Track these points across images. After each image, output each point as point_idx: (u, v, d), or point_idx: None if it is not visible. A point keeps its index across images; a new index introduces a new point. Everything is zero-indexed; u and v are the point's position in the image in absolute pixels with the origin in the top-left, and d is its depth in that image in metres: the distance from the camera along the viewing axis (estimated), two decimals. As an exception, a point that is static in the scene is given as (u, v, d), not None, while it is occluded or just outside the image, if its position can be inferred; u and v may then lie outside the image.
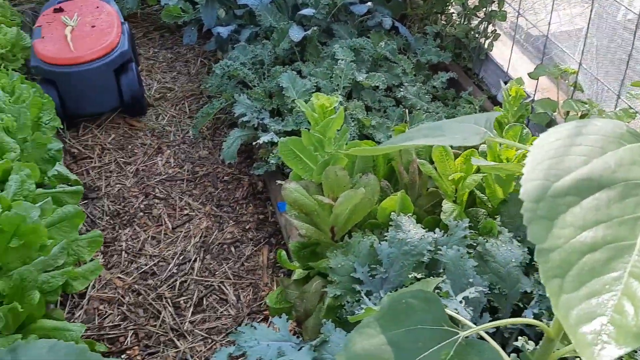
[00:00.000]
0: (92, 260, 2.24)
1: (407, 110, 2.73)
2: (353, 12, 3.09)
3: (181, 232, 2.73)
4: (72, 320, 2.31)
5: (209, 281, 2.49)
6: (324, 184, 1.76)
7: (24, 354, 0.64)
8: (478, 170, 1.90)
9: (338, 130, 1.85)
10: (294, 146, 1.86)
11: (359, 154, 1.79)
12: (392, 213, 1.74)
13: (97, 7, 3.54)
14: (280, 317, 1.70)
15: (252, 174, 2.96)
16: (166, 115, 3.48)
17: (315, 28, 2.94)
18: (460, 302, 1.42)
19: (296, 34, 2.84)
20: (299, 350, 1.50)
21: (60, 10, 3.50)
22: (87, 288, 2.42)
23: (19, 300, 1.74)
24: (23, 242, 1.76)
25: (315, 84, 2.70)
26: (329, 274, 1.70)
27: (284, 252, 2.16)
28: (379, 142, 2.44)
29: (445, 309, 0.87)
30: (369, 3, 3.17)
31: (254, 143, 2.73)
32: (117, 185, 3.00)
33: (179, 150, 3.23)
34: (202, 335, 2.27)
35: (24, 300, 1.75)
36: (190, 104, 3.58)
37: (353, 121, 2.54)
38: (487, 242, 1.66)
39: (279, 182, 1.90)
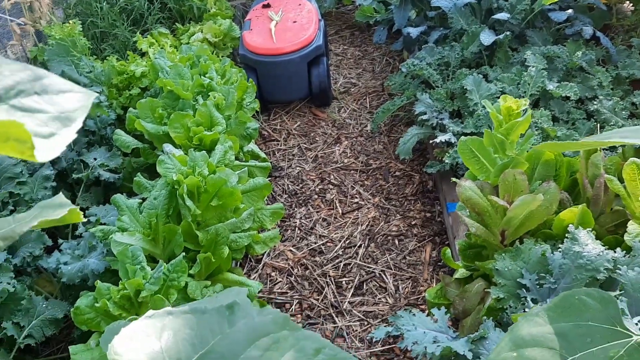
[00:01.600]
0: (270, 229, 2.48)
1: (598, 125, 2.57)
2: (550, 19, 2.97)
3: (350, 218, 2.88)
4: (247, 281, 2.58)
5: (370, 268, 2.60)
6: (500, 186, 1.76)
7: (241, 312, 0.68)
8: (675, 195, 1.75)
9: (522, 135, 1.83)
10: (473, 146, 1.88)
11: (550, 150, 1.75)
12: (569, 225, 1.69)
13: (300, 4, 3.85)
14: (439, 309, 1.75)
15: (423, 172, 3.01)
16: (348, 109, 3.68)
17: (507, 33, 2.89)
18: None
19: (487, 37, 2.82)
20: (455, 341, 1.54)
21: (267, 6, 3.87)
22: (263, 254, 2.68)
23: (212, 252, 2.00)
24: (222, 202, 2.03)
25: (500, 89, 2.66)
26: (495, 276, 1.70)
27: (449, 250, 2.19)
28: (563, 155, 2.34)
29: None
30: (570, 10, 3.02)
31: (431, 142, 2.78)
32: (298, 168, 3.26)
33: (356, 142, 3.40)
34: (358, 317, 2.39)
35: (216, 253, 2.02)
36: (372, 100, 3.73)
37: (537, 130, 2.47)
38: (676, 270, 1.53)
39: (453, 179, 1.94)
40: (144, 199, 2.26)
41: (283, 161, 3.33)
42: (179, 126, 2.40)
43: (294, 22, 3.64)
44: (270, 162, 3.27)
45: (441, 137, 2.59)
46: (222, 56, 3.82)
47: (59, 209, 0.61)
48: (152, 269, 1.84)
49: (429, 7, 3.39)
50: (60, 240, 2.28)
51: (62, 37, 3.06)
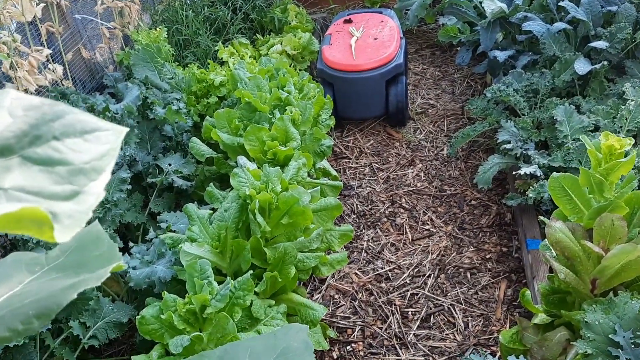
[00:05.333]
0: (338, 251, 2.41)
1: None
2: (654, 50, 2.76)
3: (420, 245, 2.77)
4: (310, 301, 2.52)
5: (439, 300, 2.48)
6: (595, 231, 1.60)
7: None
8: None
9: (623, 176, 1.67)
10: (566, 183, 1.74)
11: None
12: (673, 281, 1.52)
13: (382, 21, 3.79)
14: (517, 357, 1.61)
15: (501, 204, 2.86)
16: (424, 130, 3.57)
17: (604, 63, 2.71)
18: None
19: (583, 66, 2.65)
20: (535, 398, 1.40)
21: (349, 21, 3.83)
22: (328, 275, 2.61)
23: (279, 271, 1.95)
24: (292, 221, 1.98)
25: (594, 122, 2.49)
26: (582, 329, 1.55)
27: (528, 292, 2.04)
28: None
29: None
30: (676, 42, 2.80)
31: (513, 173, 2.63)
32: (368, 188, 3.18)
33: (430, 165, 3.28)
34: (424, 352, 2.27)
35: (283, 272, 1.96)
36: (449, 123, 3.60)
37: (634, 170, 2.27)
38: None
39: (542, 218, 1.80)
40: (214, 209, 2.25)
41: (353, 180, 3.26)
42: (255, 139, 2.38)
43: (375, 39, 3.58)
44: (341, 180, 3.21)
45: (525, 169, 2.44)
46: (299, 69, 3.81)
47: (98, 258, 0.53)
48: (217, 282, 1.81)
49: (518, 31, 3.24)
50: (130, 244, 2.31)
51: (148, 42, 3.13)
